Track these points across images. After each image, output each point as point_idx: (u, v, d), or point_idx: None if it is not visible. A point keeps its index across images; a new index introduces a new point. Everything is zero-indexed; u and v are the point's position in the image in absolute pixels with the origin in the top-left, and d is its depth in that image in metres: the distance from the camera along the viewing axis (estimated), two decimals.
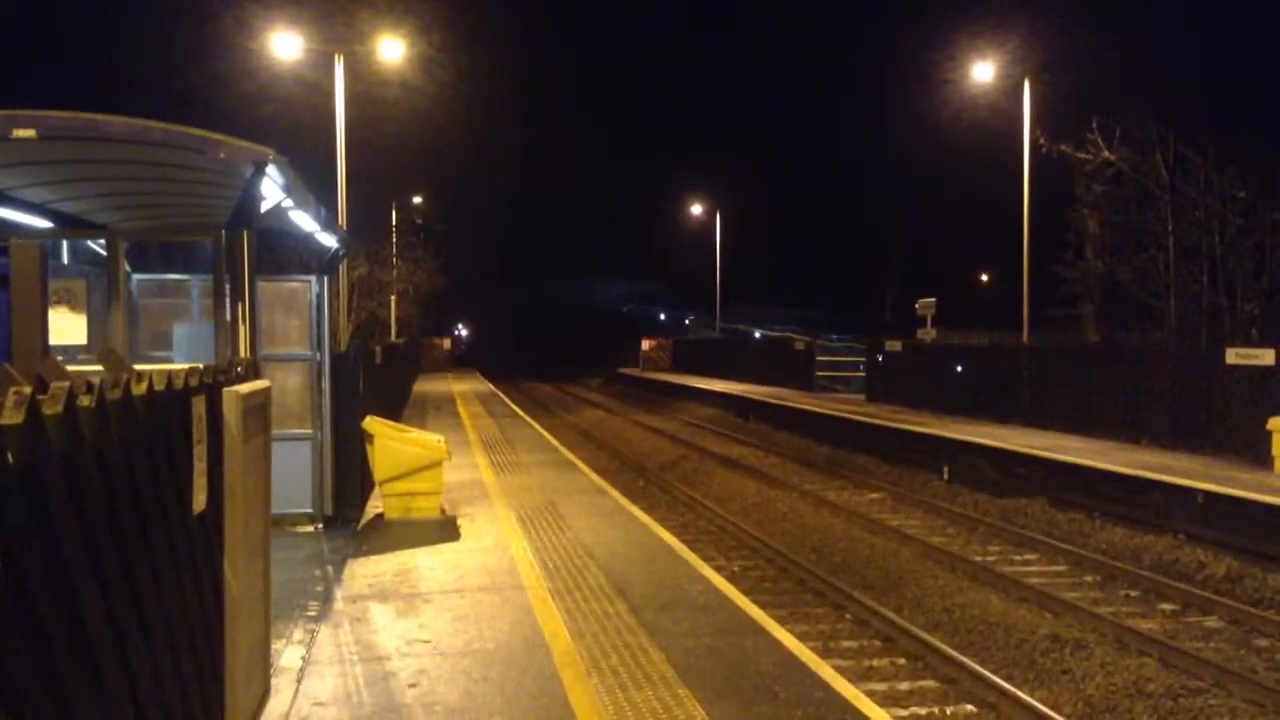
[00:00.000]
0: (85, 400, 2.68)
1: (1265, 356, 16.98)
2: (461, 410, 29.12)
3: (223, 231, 7.90)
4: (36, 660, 2.41)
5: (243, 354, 7.21)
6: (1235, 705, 8.76)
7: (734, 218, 60.72)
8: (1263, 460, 15.91)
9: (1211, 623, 11.21)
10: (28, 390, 2.30)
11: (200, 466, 3.81)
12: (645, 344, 61.71)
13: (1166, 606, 11.80)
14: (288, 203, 8.14)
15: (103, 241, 10.56)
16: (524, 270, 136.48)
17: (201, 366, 3.99)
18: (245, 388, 4.50)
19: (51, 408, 2.45)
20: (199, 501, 3.80)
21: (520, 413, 29.18)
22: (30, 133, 6.40)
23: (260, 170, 6.87)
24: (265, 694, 5.35)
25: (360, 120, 30.25)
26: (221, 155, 6.64)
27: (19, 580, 2.31)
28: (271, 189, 7.47)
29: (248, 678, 4.69)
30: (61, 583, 2.55)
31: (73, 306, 9.30)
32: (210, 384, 4.07)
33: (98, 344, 9.34)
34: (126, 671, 3.01)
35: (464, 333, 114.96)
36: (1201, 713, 8.66)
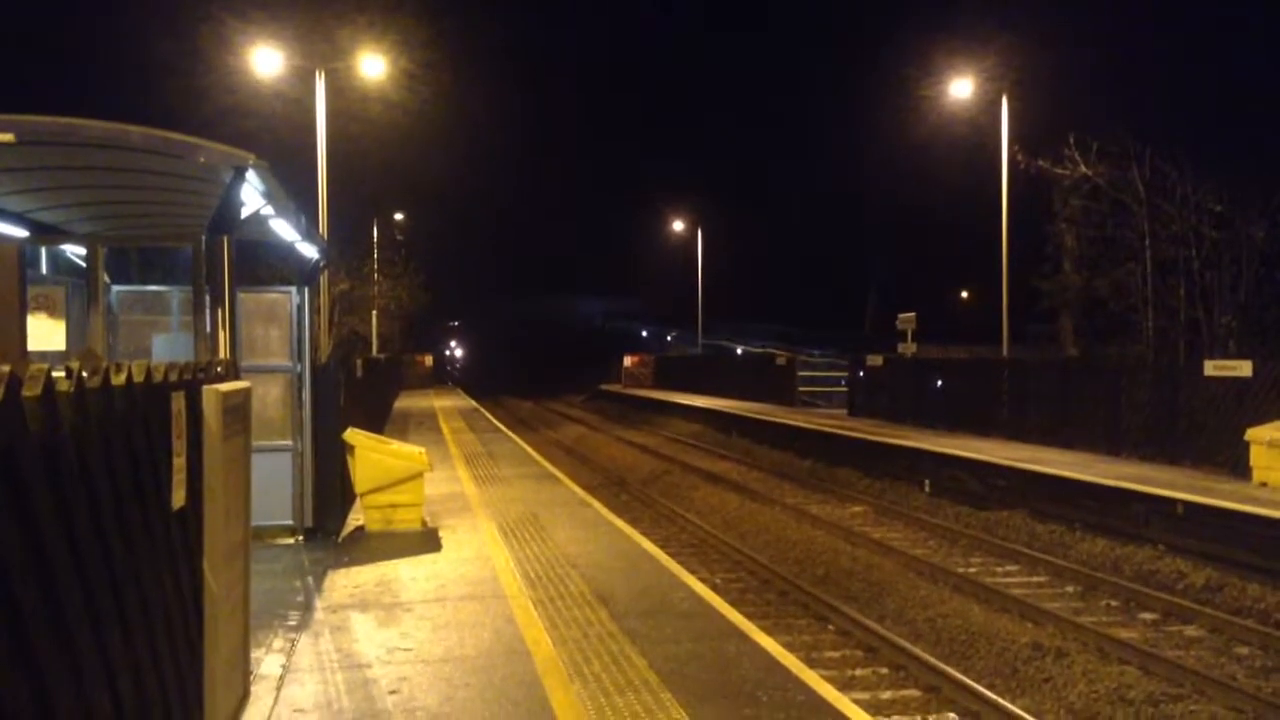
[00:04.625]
0: (64, 385, 2.66)
1: (1242, 368, 17.11)
2: (443, 425, 29.02)
3: (202, 238, 7.86)
4: (14, 647, 2.38)
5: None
6: (1215, 711, 8.79)
7: (716, 234, 60.93)
8: (1241, 471, 16.01)
9: (1192, 631, 11.26)
10: (6, 369, 2.28)
11: (179, 462, 3.79)
12: (627, 360, 61.66)
13: (1147, 616, 11.84)
14: (268, 210, 8.10)
15: (82, 252, 10.49)
16: (507, 287, 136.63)
17: (181, 363, 3.97)
18: (225, 386, 4.48)
19: (30, 390, 2.43)
20: (178, 497, 3.77)
21: (502, 428, 29.12)
22: (9, 137, 6.36)
23: (240, 175, 6.85)
24: (244, 698, 5.30)
25: (342, 137, 30.26)
26: (201, 160, 6.61)
27: None
28: (252, 195, 7.44)
29: (227, 680, 4.65)
30: (39, 569, 2.53)
31: (52, 313, 9.23)
32: (190, 380, 4.05)
33: (77, 350, 9.28)
34: (105, 663, 2.98)
35: (459, 353, 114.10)
36: (1182, 719, 8.69)
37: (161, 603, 3.58)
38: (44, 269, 10.72)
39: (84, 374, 2.88)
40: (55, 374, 2.74)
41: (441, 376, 78.09)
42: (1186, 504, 14.19)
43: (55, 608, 2.65)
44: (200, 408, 4.19)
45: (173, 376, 3.77)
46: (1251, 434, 15.72)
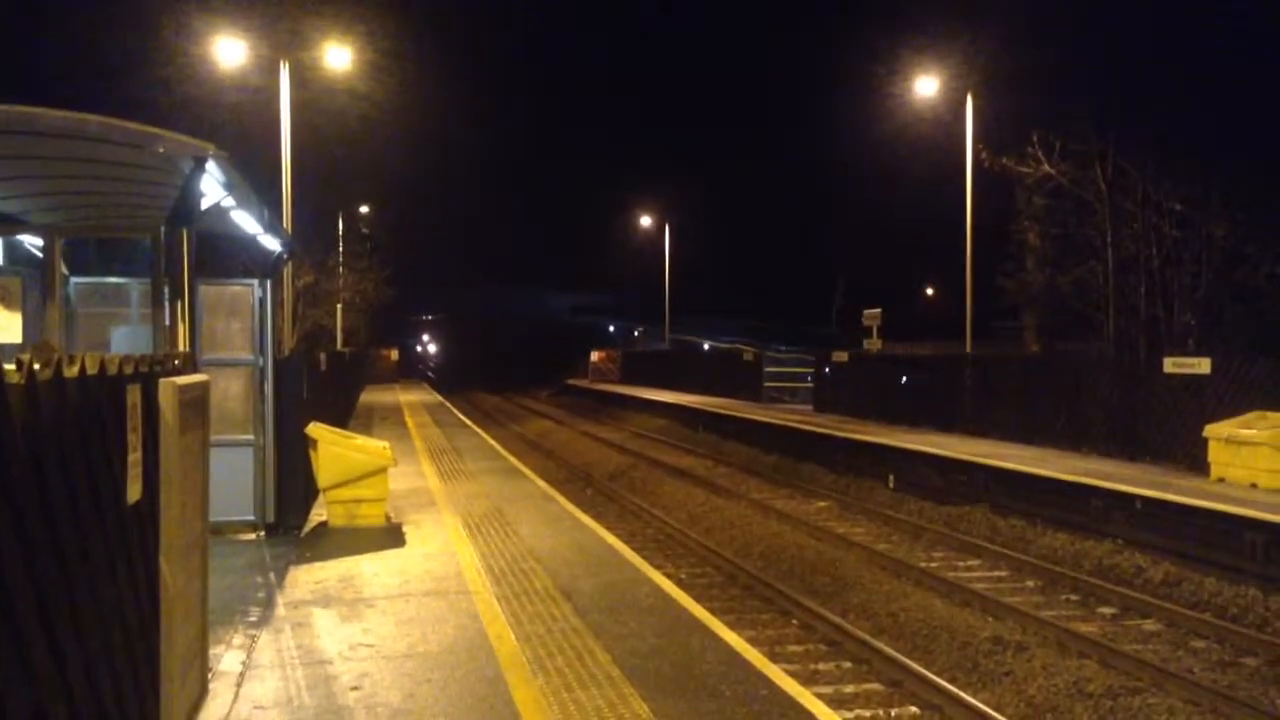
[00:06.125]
0: (14, 377, 2.61)
1: (1201, 365, 17.33)
2: (409, 420, 28.88)
3: (162, 229, 7.76)
4: None
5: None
6: (1173, 704, 8.90)
7: (684, 230, 60.96)
8: (1199, 467, 16.21)
9: (1150, 625, 11.40)
10: None
11: (135, 456, 3.73)
12: (594, 355, 61.67)
13: (1106, 610, 11.97)
14: (229, 201, 8.02)
15: (40, 243, 10.34)
16: (475, 281, 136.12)
17: (137, 355, 3.92)
18: (182, 379, 4.42)
19: None
20: (133, 491, 3.72)
21: (468, 423, 29.01)
22: None
23: (200, 166, 6.76)
24: (202, 694, 5.24)
25: (307, 129, 29.96)
26: (160, 150, 6.53)
27: None
28: (212, 186, 7.36)
29: (184, 676, 4.60)
30: None
31: (7, 304, 9.09)
32: (146, 373, 3.99)
33: (33, 343, 9.14)
34: (58, 660, 2.93)
35: (432, 348, 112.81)
36: (1140, 712, 8.78)
37: (116, 598, 3.53)
38: (0, 259, 10.55)
39: (35, 366, 2.84)
40: (6, 366, 2.70)
41: (409, 371, 77.61)
42: (1145, 499, 14.36)
43: (6, 602, 2.60)
44: (156, 401, 4.14)
45: (128, 369, 3.72)
46: (1210, 430, 15.92)
